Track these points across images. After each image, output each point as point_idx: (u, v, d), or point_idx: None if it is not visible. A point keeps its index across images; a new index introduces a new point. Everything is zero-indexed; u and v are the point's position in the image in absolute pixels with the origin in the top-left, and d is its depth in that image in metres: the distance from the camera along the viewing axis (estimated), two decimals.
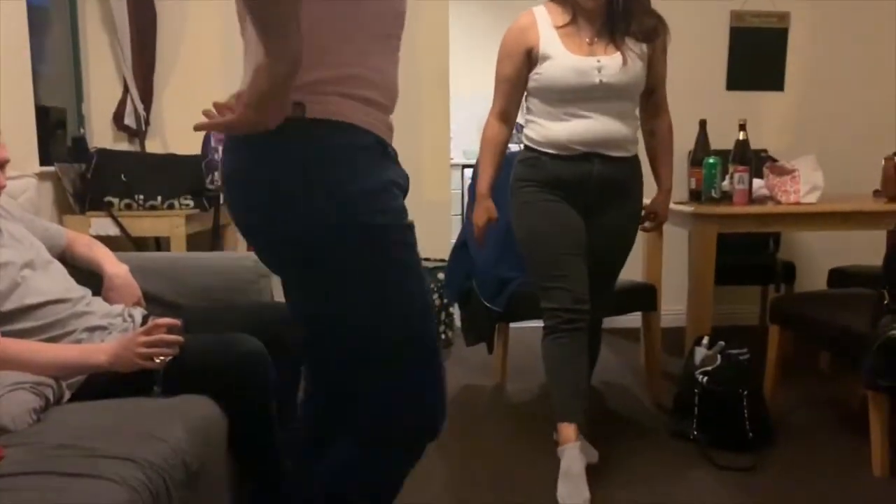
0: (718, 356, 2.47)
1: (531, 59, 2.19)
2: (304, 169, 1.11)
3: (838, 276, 3.43)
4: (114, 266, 2.05)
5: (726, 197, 2.84)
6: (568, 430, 2.13)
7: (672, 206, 2.75)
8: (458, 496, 2.16)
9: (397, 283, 1.18)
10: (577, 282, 2.16)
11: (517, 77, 2.23)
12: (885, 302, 2.15)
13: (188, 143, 3.32)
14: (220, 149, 3.18)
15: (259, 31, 0.98)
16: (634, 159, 2.27)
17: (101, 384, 1.67)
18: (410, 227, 1.20)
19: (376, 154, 1.16)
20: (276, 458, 1.84)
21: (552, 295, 2.18)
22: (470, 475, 2.30)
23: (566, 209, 2.21)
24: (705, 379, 2.44)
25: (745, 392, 2.42)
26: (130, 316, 1.94)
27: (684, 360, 2.62)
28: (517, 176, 2.28)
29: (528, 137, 2.28)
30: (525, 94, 2.29)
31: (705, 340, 2.57)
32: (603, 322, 2.46)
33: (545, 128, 2.20)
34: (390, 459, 1.29)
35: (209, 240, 3.24)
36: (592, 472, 2.17)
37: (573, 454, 2.09)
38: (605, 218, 2.25)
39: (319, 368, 1.42)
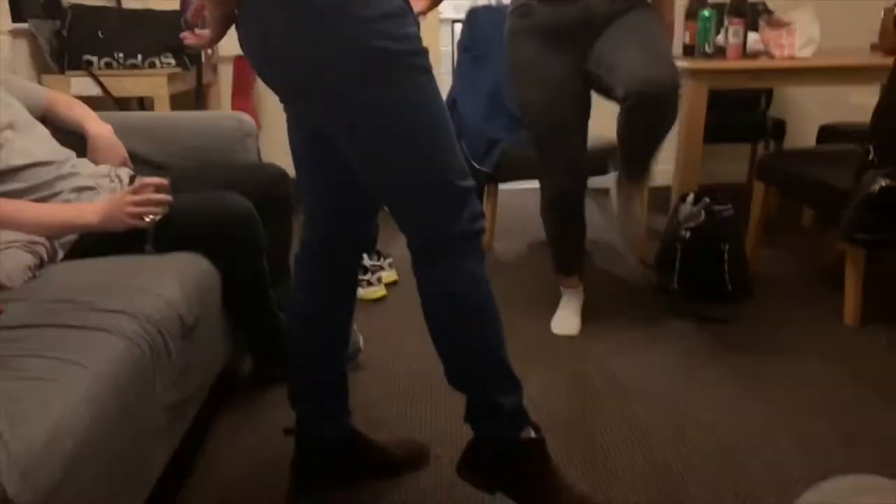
0: (702, 212, 2.51)
1: None
2: None
3: (828, 133, 3.42)
4: (97, 126, 2.03)
5: (720, 52, 2.79)
6: (569, 279, 2.38)
7: None
8: None
9: (421, 103, 1.21)
10: (569, 157, 2.13)
11: None
12: (870, 157, 2.16)
13: None
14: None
15: None
16: None
17: (92, 243, 1.70)
18: (426, 53, 1.22)
19: None
20: (270, 313, 1.90)
21: (545, 170, 2.19)
22: None
23: (562, 68, 2.06)
24: (688, 234, 2.49)
25: (727, 247, 2.48)
26: (117, 176, 1.94)
27: (669, 217, 2.66)
28: (509, 29, 2.15)
29: None
30: None
31: (690, 197, 2.59)
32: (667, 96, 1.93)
33: None
34: (461, 258, 1.29)
35: (193, 99, 3.18)
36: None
37: (572, 294, 2.38)
38: (614, 25, 2.02)
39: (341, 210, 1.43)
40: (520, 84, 2.14)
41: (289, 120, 1.39)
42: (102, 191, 1.85)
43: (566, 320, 2.35)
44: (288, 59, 1.17)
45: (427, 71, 1.21)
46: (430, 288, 1.31)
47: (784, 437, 1.76)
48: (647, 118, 1.93)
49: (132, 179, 1.95)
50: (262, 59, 1.22)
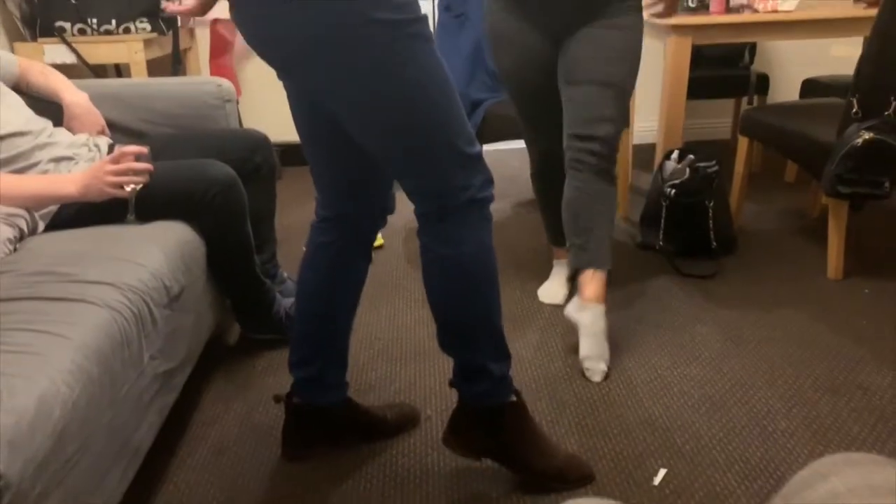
0: (687, 169, 2.51)
1: None
2: None
3: (811, 87, 3.42)
4: (73, 94, 1.99)
5: (703, 6, 2.76)
6: (560, 250, 2.34)
7: (646, 18, 2.67)
8: None
9: (423, 71, 1.18)
10: (551, 123, 2.08)
11: None
12: (853, 111, 2.16)
13: None
14: None
15: None
16: None
17: (73, 214, 1.68)
18: (426, 20, 1.19)
19: None
20: (256, 279, 1.89)
21: (529, 137, 2.20)
22: None
23: (536, 36, 1.97)
24: (673, 191, 2.49)
25: (711, 203, 2.49)
26: (96, 145, 1.91)
27: (653, 174, 2.66)
28: None
29: None
30: None
31: (675, 154, 2.59)
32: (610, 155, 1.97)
33: None
34: (470, 225, 1.29)
35: (170, 65, 3.13)
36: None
37: (562, 265, 2.36)
38: (587, 30, 1.91)
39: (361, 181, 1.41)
40: (496, 50, 2.09)
41: (290, 96, 1.36)
42: (81, 160, 1.82)
43: (552, 290, 2.33)
44: (286, 34, 1.14)
45: (428, 38, 1.19)
46: (436, 252, 1.31)
47: (769, 389, 1.79)
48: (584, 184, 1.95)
49: (111, 148, 1.93)
50: (260, 35, 1.19)
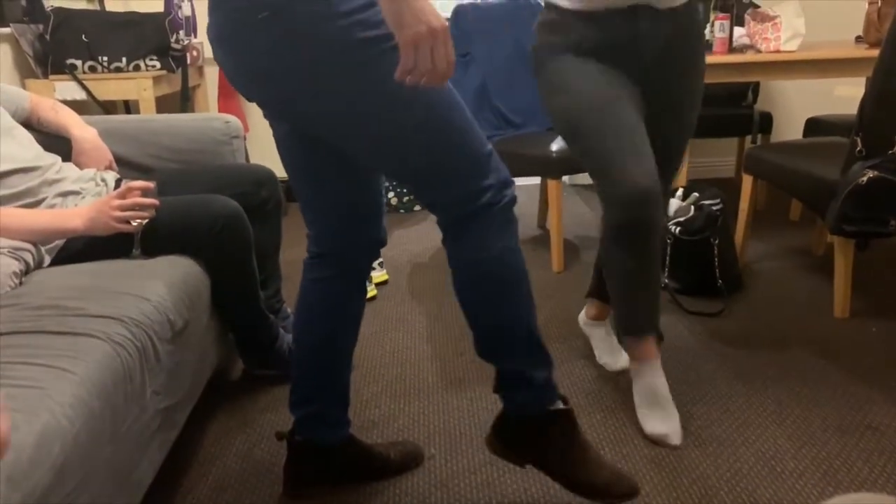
0: (691, 207, 2.51)
1: None
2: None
3: (814, 126, 3.44)
4: (82, 129, 2.01)
5: (706, 47, 2.79)
6: (641, 345, 1.80)
7: None
8: (455, 347, 2.25)
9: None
10: (643, 154, 1.59)
11: None
12: (857, 149, 2.16)
13: (149, 0, 3.19)
14: (184, 5, 3.06)
15: None
16: (692, 4, 1.71)
17: (79, 249, 1.69)
18: None
19: None
20: (260, 314, 1.89)
21: (616, 173, 1.59)
22: (455, 328, 2.39)
23: (611, 71, 1.69)
24: (678, 229, 2.49)
25: (717, 241, 2.49)
26: (103, 180, 1.92)
27: None
28: (537, 45, 1.79)
29: None
30: None
31: (679, 192, 2.60)
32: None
33: None
34: (493, 229, 1.29)
35: (179, 102, 3.17)
36: (567, 322, 2.26)
37: (647, 370, 1.80)
38: (666, 84, 1.74)
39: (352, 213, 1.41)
40: (560, 88, 1.72)
41: (276, 134, 1.37)
42: (88, 195, 1.83)
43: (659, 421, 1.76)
44: (281, 75, 1.15)
45: None
46: (462, 259, 1.31)
47: (777, 429, 1.76)
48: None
49: (118, 183, 1.94)
50: (256, 84, 1.20)
